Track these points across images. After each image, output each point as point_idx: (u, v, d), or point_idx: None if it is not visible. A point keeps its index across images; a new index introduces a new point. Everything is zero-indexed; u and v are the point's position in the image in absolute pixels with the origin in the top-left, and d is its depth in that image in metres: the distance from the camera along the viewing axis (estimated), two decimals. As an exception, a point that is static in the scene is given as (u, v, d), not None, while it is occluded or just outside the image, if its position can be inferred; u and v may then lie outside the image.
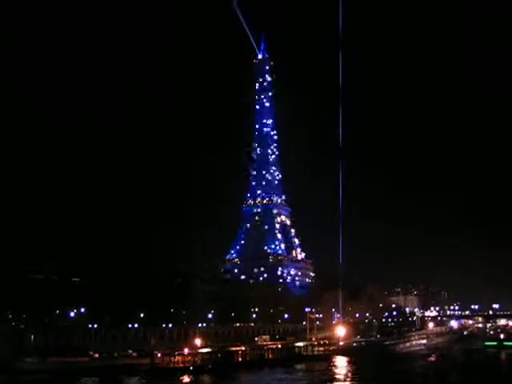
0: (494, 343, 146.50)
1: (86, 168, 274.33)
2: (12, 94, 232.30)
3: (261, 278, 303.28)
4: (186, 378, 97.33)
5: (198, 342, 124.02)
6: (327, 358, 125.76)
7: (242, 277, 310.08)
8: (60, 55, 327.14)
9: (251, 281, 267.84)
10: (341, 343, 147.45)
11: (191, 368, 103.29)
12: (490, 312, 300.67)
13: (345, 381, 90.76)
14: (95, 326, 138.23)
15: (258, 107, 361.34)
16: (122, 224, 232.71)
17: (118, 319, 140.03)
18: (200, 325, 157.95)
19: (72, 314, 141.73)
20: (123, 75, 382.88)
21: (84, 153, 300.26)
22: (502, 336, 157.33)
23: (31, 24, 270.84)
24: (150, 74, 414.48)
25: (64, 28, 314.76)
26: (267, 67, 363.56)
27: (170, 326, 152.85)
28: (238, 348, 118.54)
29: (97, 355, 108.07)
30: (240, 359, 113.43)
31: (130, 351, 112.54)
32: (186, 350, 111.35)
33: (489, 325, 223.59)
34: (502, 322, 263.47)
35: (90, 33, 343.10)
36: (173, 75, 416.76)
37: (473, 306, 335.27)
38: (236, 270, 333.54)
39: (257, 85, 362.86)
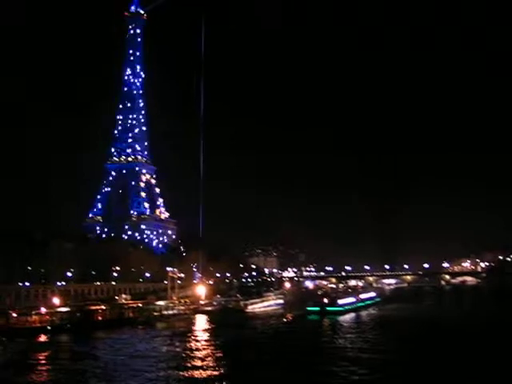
0: (317, 309, 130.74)
1: None
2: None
3: (123, 237, 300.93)
4: (43, 338, 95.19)
5: (56, 300, 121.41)
6: (188, 317, 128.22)
7: (104, 235, 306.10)
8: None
9: (113, 239, 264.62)
10: (201, 302, 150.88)
11: (49, 328, 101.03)
12: (343, 273, 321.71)
13: (202, 340, 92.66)
14: None
15: (126, 62, 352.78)
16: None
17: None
18: (59, 283, 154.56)
19: None
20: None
21: None
22: (325, 300, 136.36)
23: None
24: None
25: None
26: (139, 22, 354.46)
27: (28, 284, 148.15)
28: (98, 307, 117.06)
29: None
30: (100, 318, 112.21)
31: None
32: (44, 310, 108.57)
33: (341, 285, 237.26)
34: (353, 282, 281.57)
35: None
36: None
37: (327, 268, 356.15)
38: (98, 228, 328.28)
39: (127, 39, 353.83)
